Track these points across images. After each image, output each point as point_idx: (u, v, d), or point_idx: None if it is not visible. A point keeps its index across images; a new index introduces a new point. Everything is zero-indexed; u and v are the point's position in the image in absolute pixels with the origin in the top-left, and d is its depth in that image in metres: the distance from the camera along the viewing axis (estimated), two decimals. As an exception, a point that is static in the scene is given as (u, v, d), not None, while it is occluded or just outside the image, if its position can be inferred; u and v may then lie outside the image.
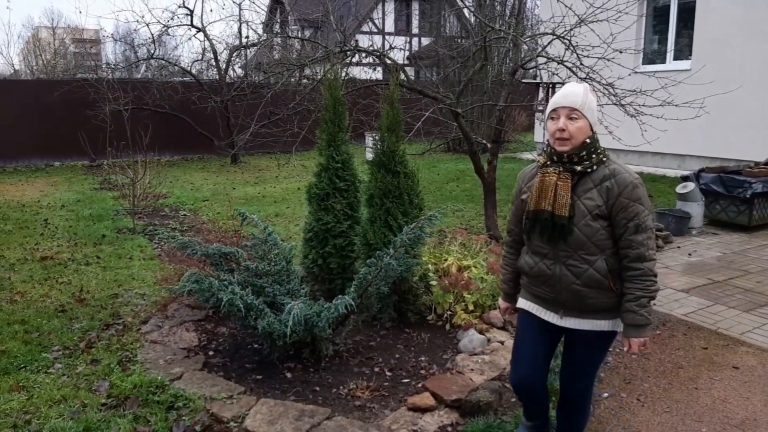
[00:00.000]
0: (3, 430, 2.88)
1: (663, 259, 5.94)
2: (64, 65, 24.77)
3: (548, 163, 2.32)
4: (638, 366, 3.73)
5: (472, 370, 3.46)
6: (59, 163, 13.48)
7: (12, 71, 27.51)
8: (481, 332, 3.92)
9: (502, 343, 3.83)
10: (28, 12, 56.85)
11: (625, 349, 2.33)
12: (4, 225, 7.40)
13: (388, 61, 5.86)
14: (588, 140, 2.25)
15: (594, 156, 2.26)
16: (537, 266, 2.38)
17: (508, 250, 2.62)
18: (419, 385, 3.38)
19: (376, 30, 24.30)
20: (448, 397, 3.14)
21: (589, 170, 2.25)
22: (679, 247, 6.42)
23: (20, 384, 3.36)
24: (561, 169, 2.27)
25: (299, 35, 11.30)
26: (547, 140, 2.32)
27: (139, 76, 16.31)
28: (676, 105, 5.68)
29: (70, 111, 12.96)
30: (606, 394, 3.38)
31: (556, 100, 2.28)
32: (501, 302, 2.76)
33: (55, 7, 71.97)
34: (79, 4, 46.89)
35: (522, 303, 2.54)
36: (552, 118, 2.28)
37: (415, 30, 24.66)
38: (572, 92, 2.26)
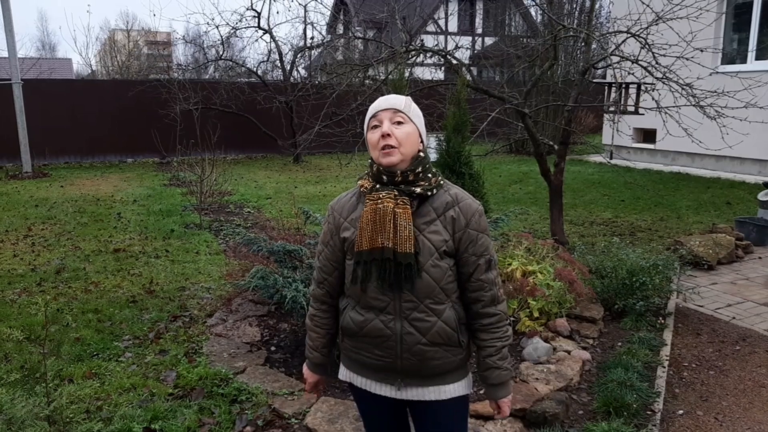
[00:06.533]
0: (77, 416, 2.99)
1: (743, 271, 5.60)
2: (137, 66, 25.92)
3: (377, 186, 1.81)
4: (716, 383, 3.51)
5: (537, 379, 3.34)
6: (132, 159, 14.10)
7: (89, 72, 29.05)
8: (546, 340, 3.79)
9: (568, 352, 3.69)
10: (105, 15, 59.95)
11: (495, 414, 1.94)
12: (81, 218, 7.77)
13: (454, 61, 5.79)
14: (422, 153, 1.83)
15: (431, 176, 1.82)
16: (371, 325, 1.82)
17: (319, 307, 1.99)
18: (481, 391, 3.29)
19: (440, 30, 24.20)
20: (512, 405, 3.04)
21: (429, 193, 1.80)
22: (760, 257, 6.03)
23: (93, 371, 3.50)
24: (396, 192, 1.77)
25: (363, 36, 11.36)
26: (370, 159, 1.85)
27: (207, 76, 16.85)
28: (761, 107, 5.35)
29: (143, 110, 13.56)
30: (681, 412, 3.20)
31: (375, 106, 1.85)
32: (308, 374, 2.07)
33: (130, 10, 75.61)
34: (153, 7, 48.96)
35: (345, 374, 1.97)
36: (373, 127, 1.82)
37: (478, 30, 24.39)
38: (394, 97, 1.86)
